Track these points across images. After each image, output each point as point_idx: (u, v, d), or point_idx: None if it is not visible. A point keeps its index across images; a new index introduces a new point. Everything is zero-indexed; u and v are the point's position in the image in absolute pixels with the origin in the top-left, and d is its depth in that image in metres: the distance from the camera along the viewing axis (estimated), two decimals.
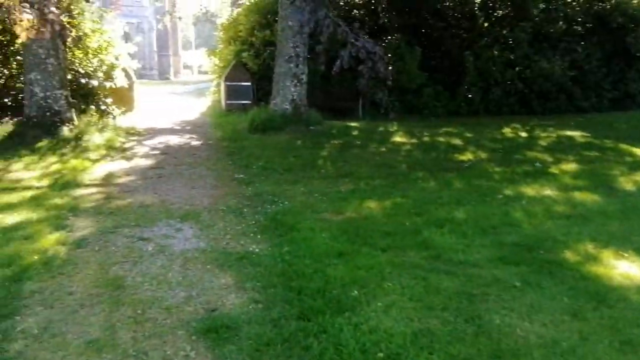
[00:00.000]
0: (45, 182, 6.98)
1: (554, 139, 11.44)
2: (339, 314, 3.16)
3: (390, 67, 10.58)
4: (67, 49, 13.76)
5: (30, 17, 5.63)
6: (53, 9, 5.84)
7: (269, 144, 9.92)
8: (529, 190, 6.69)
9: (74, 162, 8.21)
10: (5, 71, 13.49)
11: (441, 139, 11.47)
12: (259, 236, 4.78)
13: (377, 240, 4.62)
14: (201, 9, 25.24)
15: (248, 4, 18.62)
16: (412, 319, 3.15)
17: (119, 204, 5.96)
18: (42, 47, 10.51)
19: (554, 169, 8.11)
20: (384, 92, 8.35)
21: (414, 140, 11.04)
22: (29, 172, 7.67)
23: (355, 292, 3.49)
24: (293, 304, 3.33)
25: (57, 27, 6.10)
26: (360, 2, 17.84)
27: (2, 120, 11.32)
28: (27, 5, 5.73)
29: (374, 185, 6.89)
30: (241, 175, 7.51)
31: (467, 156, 9.33)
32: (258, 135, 10.84)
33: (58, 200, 5.99)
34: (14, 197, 6.11)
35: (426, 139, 11.38)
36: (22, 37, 5.71)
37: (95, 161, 8.48)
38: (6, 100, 13.19)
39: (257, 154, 8.97)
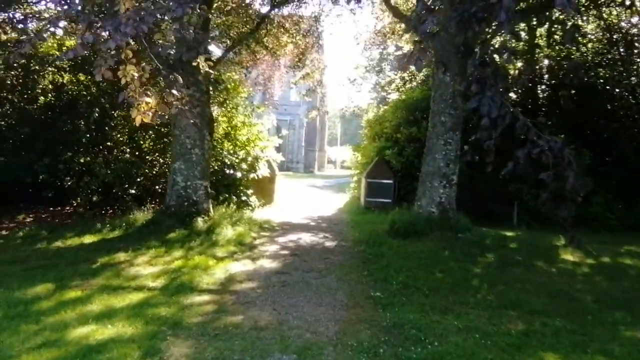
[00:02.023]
0: (160, 282, 6.32)
1: None
2: None
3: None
4: (217, 141, 14.17)
5: (150, 100, 5.23)
6: (174, 91, 5.39)
7: (411, 252, 8.55)
8: None
9: (197, 260, 7.58)
10: (161, 160, 14.13)
11: (627, 261, 9.21)
12: None
13: None
14: (349, 107, 25.56)
15: (396, 100, 18.23)
16: None
17: (229, 321, 4.95)
18: (190, 137, 10.63)
19: None
20: (569, 211, 6.49)
21: (590, 261, 8.91)
22: (150, 267, 7.15)
23: None
24: None
25: (174, 110, 5.63)
26: (516, 99, 16.39)
27: (144, 207, 11.50)
28: (150, 89, 5.37)
29: (555, 328, 5.11)
30: (377, 293, 6.20)
31: None
32: (399, 240, 9.55)
33: (163, 310, 5.17)
34: (120, 300, 5.45)
35: (606, 259, 9.18)
36: (137, 120, 5.30)
37: (219, 260, 7.77)
38: (157, 187, 13.70)
39: (398, 265, 7.64)
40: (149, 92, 5.28)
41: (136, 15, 4.74)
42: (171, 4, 5.08)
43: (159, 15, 5.32)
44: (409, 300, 5.93)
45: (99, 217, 11.45)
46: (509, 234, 11.04)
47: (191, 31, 5.40)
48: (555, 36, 16.36)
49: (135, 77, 5.02)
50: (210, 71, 7.35)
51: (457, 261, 8.06)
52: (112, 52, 4.92)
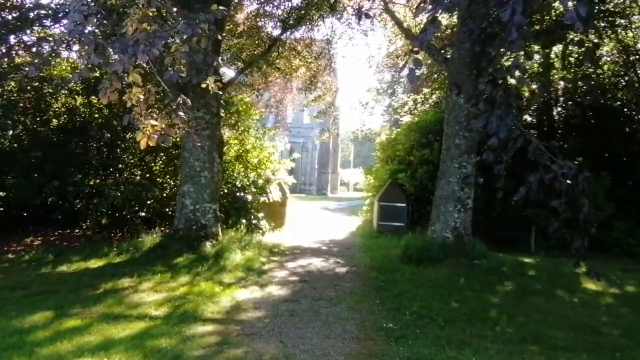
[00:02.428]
0: (163, 311, 6.08)
1: None
2: None
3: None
4: (228, 163, 14.04)
5: (155, 123, 5.06)
6: (181, 114, 5.22)
7: (425, 279, 8.23)
8: None
9: (203, 286, 7.34)
10: (172, 182, 13.99)
11: None
12: None
13: None
14: (361, 130, 25.34)
15: (409, 123, 18.04)
16: None
17: (232, 354, 4.69)
18: (199, 159, 10.47)
19: None
20: (582, 241, 6.06)
21: (614, 290, 8.51)
22: (154, 294, 6.92)
23: None
24: None
25: (181, 133, 5.48)
26: (532, 122, 16.11)
27: (153, 231, 11.32)
28: (156, 110, 5.21)
29: None
30: (390, 325, 5.88)
31: None
32: (412, 266, 9.25)
33: (164, 342, 4.92)
34: (119, 330, 5.21)
35: (630, 289, 8.78)
36: (142, 144, 5.13)
37: (226, 286, 7.52)
38: (167, 209, 13.52)
39: (411, 293, 7.33)
40: (154, 115, 5.12)
41: (146, 39, 4.60)
42: (180, 25, 4.94)
43: (170, 39, 5.20)
44: (423, 333, 5.62)
45: (107, 240, 11.30)
46: (526, 260, 10.65)
47: (201, 53, 5.24)
48: (570, 58, 16.15)
49: (141, 100, 4.87)
50: (221, 93, 7.24)
51: (473, 290, 7.72)
52: (121, 75, 4.78)
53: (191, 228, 10.38)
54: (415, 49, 6.46)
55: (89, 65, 5.05)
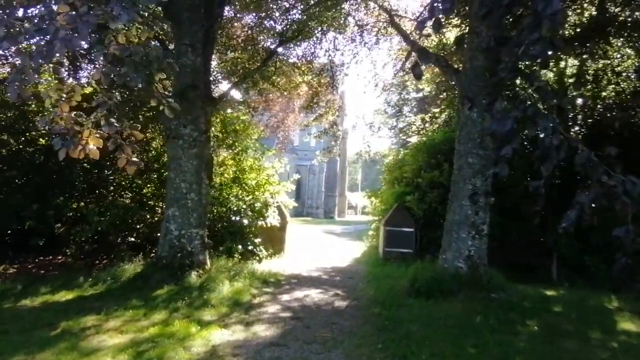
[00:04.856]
0: (121, 359, 5.07)
1: None
2: None
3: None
4: (224, 185, 13.16)
5: (78, 129, 4.15)
6: (125, 122, 4.30)
7: (435, 317, 7.14)
8: None
9: (177, 326, 6.30)
10: (163, 205, 13.07)
11: None
12: None
13: None
14: (367, 151, 24.23)
15: (416, 143, 17.10)
16: None
17: None
18: (185, 181, 9.57)
19: None
20: (626, 260, 4.84)
21: None
22: (119, 336, 5.89)
23: None
24: None
25: (112, 146, 4.56)
26: None
27: (137, 258, 10.36)
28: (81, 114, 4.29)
29: None
30: None
31: None
32: (421, 300, 8.16)
33: None
34: None
35: None
36: (60, 155, 4.28)
37: (204, 326, 6.46)
38: (158, 234, 12.56)
39: (420, 335, 6.24)
40: (79, 120, 4.21)
41: (70, 24, 3.66)
42: (114, 8, 3.95)
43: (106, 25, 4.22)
44: None
45: (88, 268, 10.37)
46: (549, 292, 9.52)
47: (142, 49, 4.26)
48: (587, 76, 15.23)
49: (63, 99, 3.97)
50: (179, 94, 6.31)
51: (492, 330, 6.60)
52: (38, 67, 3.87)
53: (175, 256, 9.38)
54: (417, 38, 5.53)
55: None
